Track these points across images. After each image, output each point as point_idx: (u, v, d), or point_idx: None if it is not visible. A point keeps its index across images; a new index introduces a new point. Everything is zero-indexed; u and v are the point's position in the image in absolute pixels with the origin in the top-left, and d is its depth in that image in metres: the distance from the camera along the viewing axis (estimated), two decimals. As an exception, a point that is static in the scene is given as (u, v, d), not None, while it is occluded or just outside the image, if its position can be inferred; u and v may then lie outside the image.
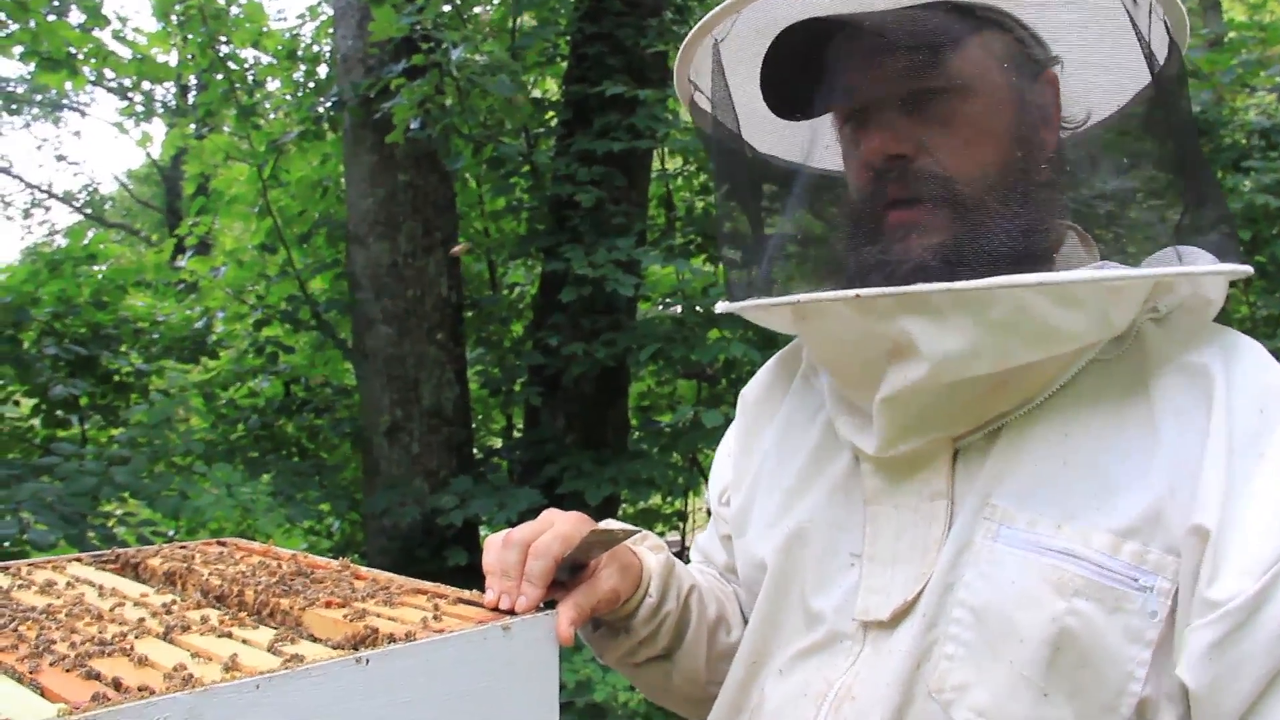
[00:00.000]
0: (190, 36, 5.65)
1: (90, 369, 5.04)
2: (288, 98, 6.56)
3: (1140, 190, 1.08)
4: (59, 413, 4.95)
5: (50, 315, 4.93)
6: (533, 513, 1.08)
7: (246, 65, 6.19)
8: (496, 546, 1.01)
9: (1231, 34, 5.56)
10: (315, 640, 0.88)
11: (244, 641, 0.86)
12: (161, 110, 12.23)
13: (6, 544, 3.25)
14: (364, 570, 1.12)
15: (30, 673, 0.77)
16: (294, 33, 6.54)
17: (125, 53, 6.38)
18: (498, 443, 6.17)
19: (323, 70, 6.26)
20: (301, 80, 6.35)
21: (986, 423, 1.00)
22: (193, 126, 6.75)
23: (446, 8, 4.69)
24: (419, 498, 4.74)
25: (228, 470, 4.57)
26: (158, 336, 5.66)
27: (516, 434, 5.69)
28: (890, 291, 0.93)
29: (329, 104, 5.46)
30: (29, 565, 1.19)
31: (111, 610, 0.97)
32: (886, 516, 1.04)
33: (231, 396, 5.87)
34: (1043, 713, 0.90)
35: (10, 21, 5.41)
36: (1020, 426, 0.99)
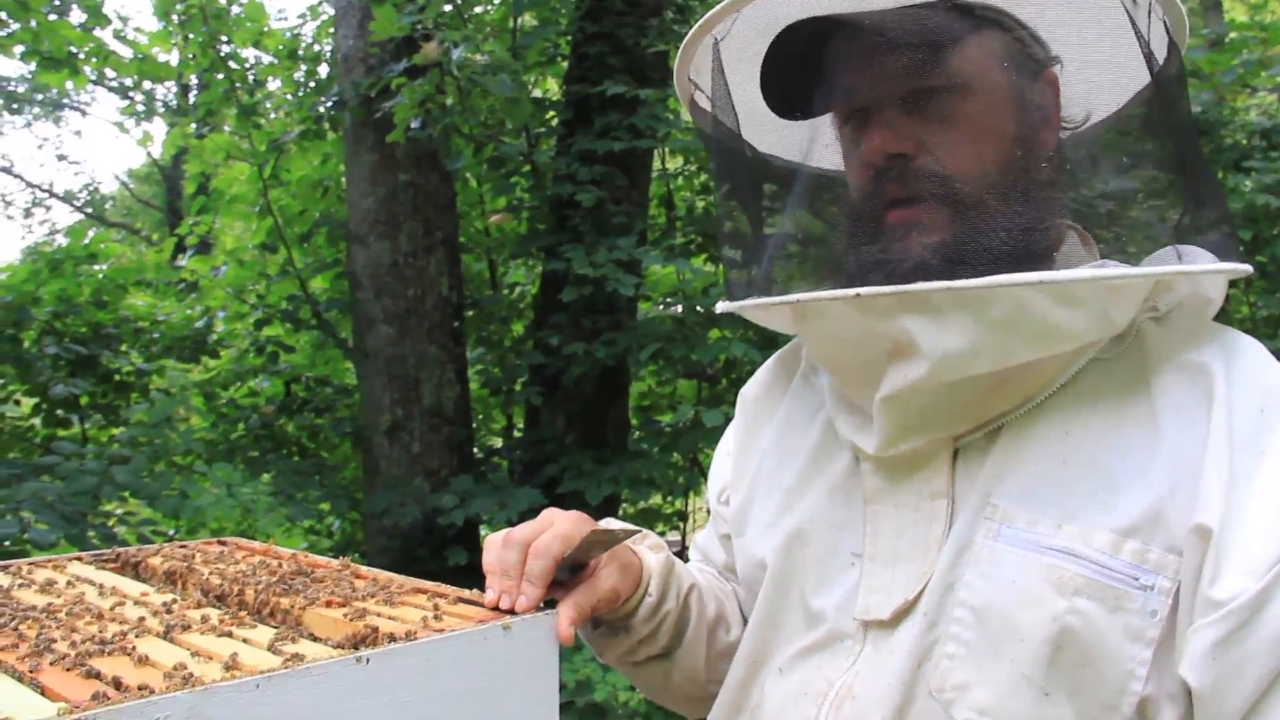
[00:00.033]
0: (191, 36, 5.65)
1: (91, 368, 5.04)
2: (288, 97, 6.56)
3: (1140, 190, 1.08)
4: (59, 412, 4.95)
5: (51, 314, 4.94)
6: (533, 512, 1.08)
7: (247, 65, 6.20)
8: (496, 546, 1.01)
9: (1232, 34, 5.55)
10: (315, 639, 0.88)
11: (244, 641, 0.86)
12: (162, 110, 12.25)
13: (7, 543, 3.25)
14: (364, 570, 1.12)
15: (31, 671, 0.77)
16: (295, 32, 6.55)
17: (126, 52, 6.39)
18: (498, 442, 6.18)
19: (323, 70, 6.26)
20: (302, 80, 6.35)
21: (987, 422, 1.00)
22: (193, 126, 6.74)
23: (447, 7, 4.69)
24: (419, 497, 4.74)
25: (228, 470, 4.57)
26: (158, 336, 5.66)
27: (517, 433, 5.69)
28: (890, 290, 0.93)
29: (330, 103, 5.46)
30: (29, 564, 1.19)
31: (112, 609, 0.97)
32: (887, 516, 1.04)
33: (232, 396, 5.87)
34: (1044, 712, 0.90)
35: (11, 21, 5.41)
36: (1021, 425, 0.99)
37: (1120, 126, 1.12)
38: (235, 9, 6.01)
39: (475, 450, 5.36)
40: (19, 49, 5.60)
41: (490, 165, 5.23)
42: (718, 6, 1.09)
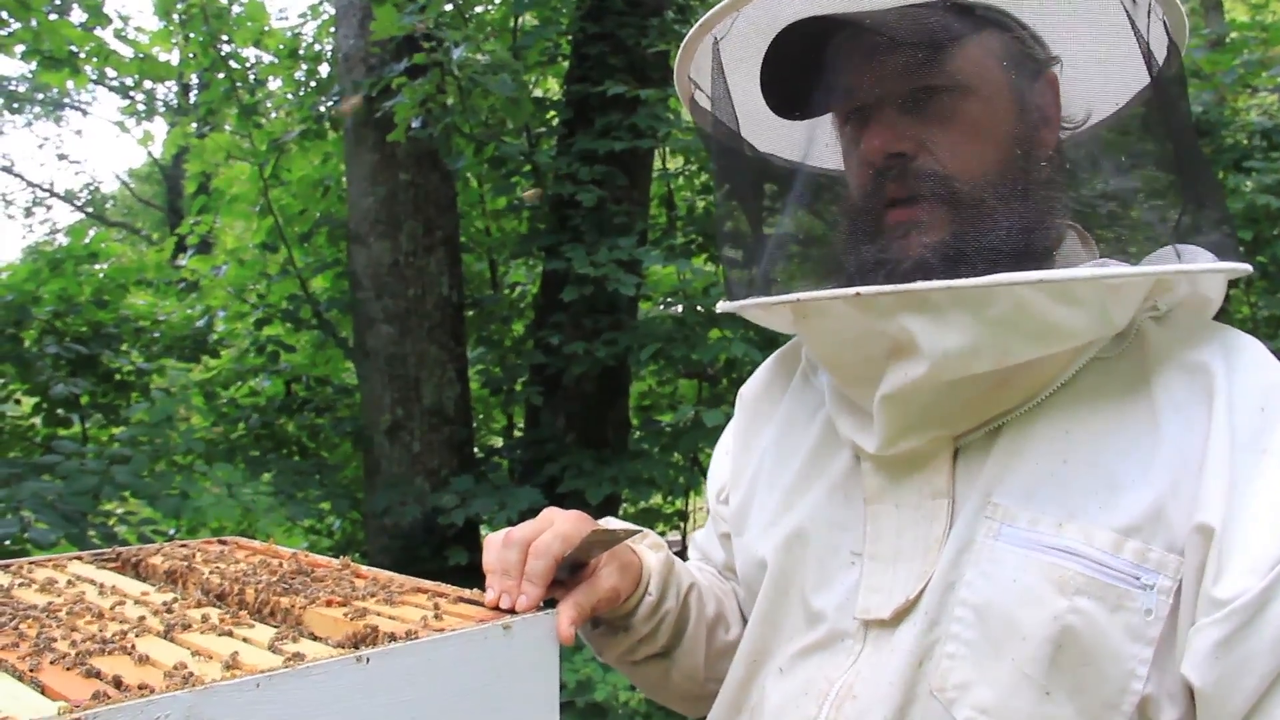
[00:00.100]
0: (192, 35, 5.66)
1: (91, 368, 5.04)
2: (289, 97, 6.57)
3: (1140, 190, 1.08)
4: (60, 411, 4.95)
5: (51, 314, 4.94)
6: (533, 512, 1.08)
7: (248, 64, 6.21)
8: (497, 545, 1.01)
9: (1233, 34, 5.55)
10: (316, 639, 0.88)
11: (244, 640, 0.86)
12: (163, 109, 12.26)
13: (7, 542, 3.25)
14: (365, 569, 1.12)
15: (31, 671, 0.77)
16: (295, 32, 6.55)
17: (127, 51, 6.39)
18: (499, 442, 6.18)
19: (324, 69, 6.26)
20: (303, 79, 6.36)
21: (987, 421, 1.00)
22: (194, 125, 6.76)
23: (448, 7, 4.69)
24: (420, 497, 4.74)
25: (228, 469, 4.57)
26: (159, 335, 5.66)
27: (517, 433, 5.70)
28: (890, 289, 0.93)
29: (330, 103, 5.46)
30: (30, 563, 1.19)
31: (112, 608, 0.97)
32: (887, 515, 1.04)
33: (232, 395, 5.88)
34: (1045, 711, 0.90)
35: (12, 20, 5.41)
36: (1021, 425, 0.99)
37: (1120, 126, 1.12)
38: (236, 8, 6.02)
39: (475, 450, 5.36)
40: (20, 48, 5.61)
41: (491, 165, 5.24)
42: (718, 6, 1.09)
